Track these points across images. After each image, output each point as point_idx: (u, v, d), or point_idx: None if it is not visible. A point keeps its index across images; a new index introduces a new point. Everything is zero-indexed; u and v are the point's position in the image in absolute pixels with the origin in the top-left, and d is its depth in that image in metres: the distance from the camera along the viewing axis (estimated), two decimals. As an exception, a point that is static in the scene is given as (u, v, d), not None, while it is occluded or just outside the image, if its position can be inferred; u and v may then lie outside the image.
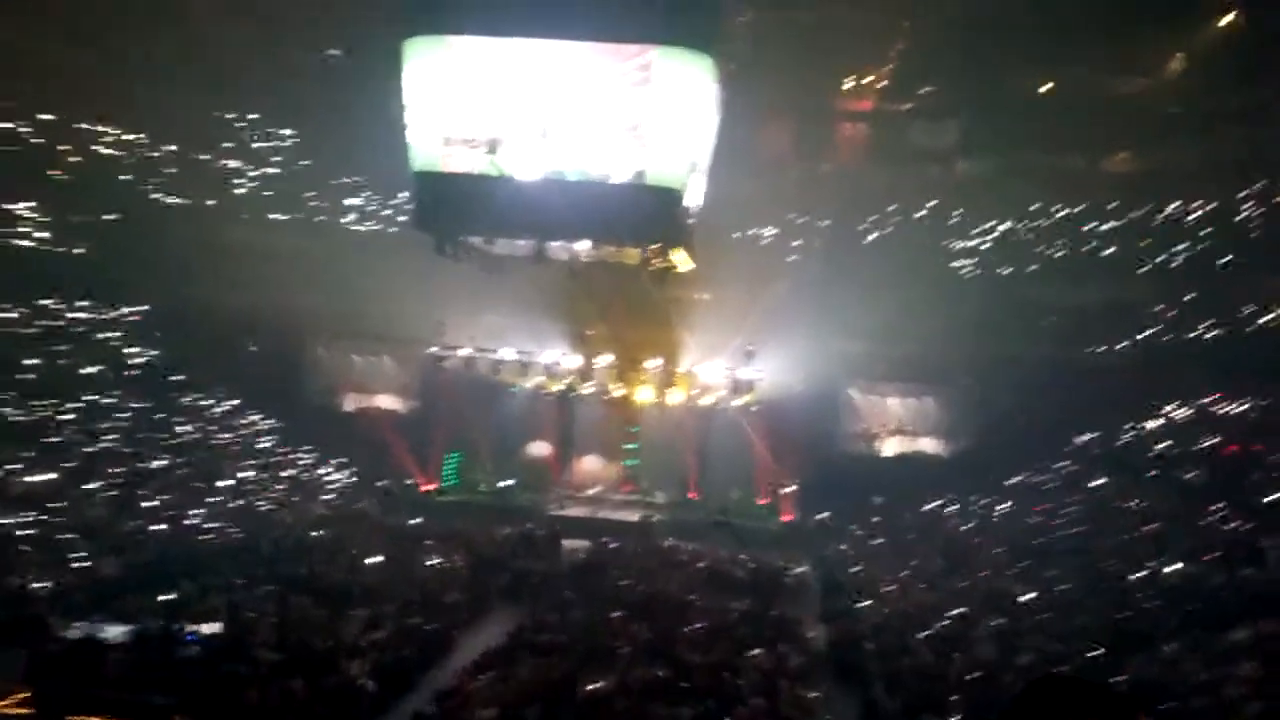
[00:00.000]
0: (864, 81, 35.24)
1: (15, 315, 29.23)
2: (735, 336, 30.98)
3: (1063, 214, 35.24)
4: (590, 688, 15.09)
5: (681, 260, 20.51)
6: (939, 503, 29.90)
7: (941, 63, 32.39)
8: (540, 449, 35.30)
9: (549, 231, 19.50)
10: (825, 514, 31.16)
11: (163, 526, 23.24)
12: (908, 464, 33.58)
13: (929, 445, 34.39)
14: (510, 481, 34.08)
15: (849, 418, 34.87)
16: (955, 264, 36.38)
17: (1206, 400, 27.05)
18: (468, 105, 18.03)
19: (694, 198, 19.20)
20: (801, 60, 31.10)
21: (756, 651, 17.45)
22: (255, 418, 32.45)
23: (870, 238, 37.37)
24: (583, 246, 20.10)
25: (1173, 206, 32.79)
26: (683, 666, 16.42)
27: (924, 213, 36.81)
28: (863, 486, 31.55)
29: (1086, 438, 29.44)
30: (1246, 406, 25.58)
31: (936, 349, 32.82)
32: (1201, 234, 32.11)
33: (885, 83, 34.80)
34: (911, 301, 32.59)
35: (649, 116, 17.21)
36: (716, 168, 19.72)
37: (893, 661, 17.57)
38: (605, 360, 31.75)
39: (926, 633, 18.87)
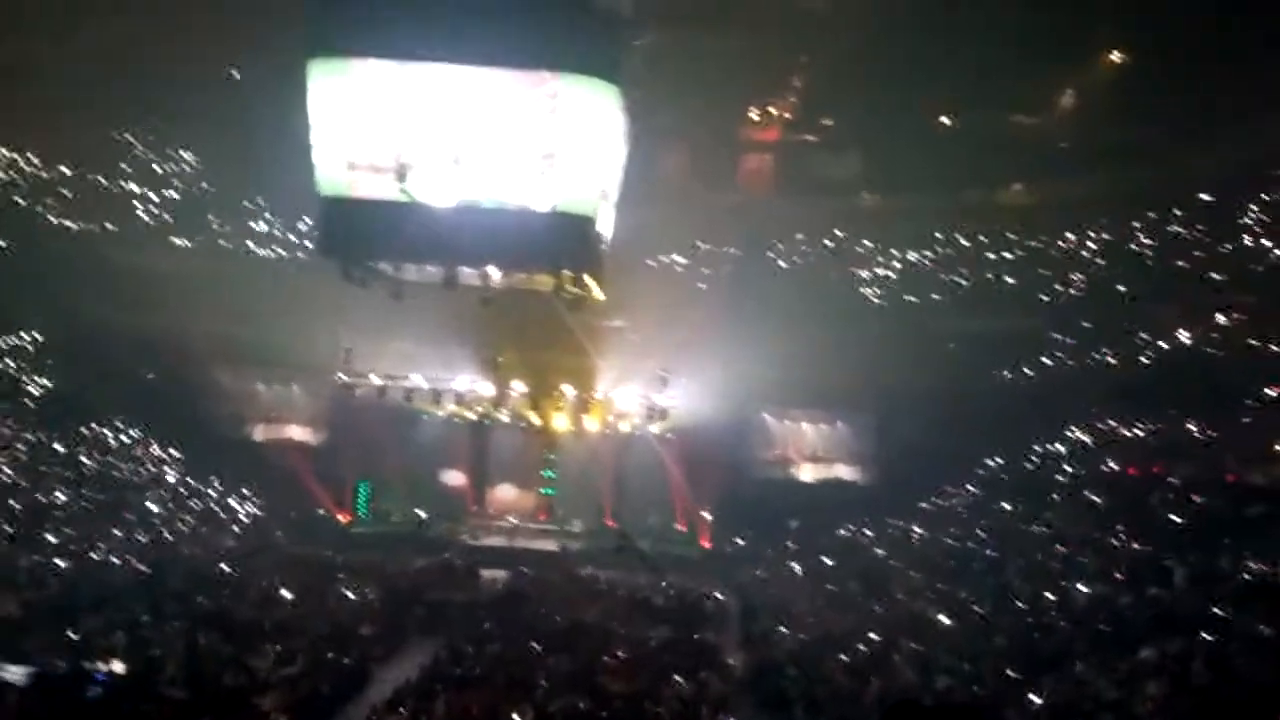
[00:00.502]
0: (769, 113, 35.96)
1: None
2: (649, 363, 31.08)
3: (963, 244, 36.25)
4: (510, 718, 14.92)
5: (595, 288, 20.52)
6: (854, 527, 30.27)
7: (842, 96, 33.21)
8: (455, 478, 34.93)
9: (460, 258, 19.27)
10: (743, 539, 31.33)
11: (64, 562, 22.32)
12: (823, 489, 34.05)
13: (843, 471, 34.83)
14: (425, 512, 33.62)
15: (764, 444, 35.20)
16: (862, 292, 37.15)
17: (1108, 424, 27.91)
18: (374, 129, 17.78)
19: (604, 225, 19.22)
20: (708, 93, 31.66)
21: (677, 679, 17.42)
22: (159, 448, 31.42)
23: (779, 266, 37.98)
24: (495, 273, 19.97)
25: (1068, 237, 33.92)
26: (604, 696, 16.32)
27: (830, 243, 37.59)
28: (779, 512, 31.85)
29: (995, 462, 30.11)
30: (1146, 430, 26.45)
31: (846, 376, 33.30)
32: (1096, 264, 33.28)
33: (789, 115, 35.56)
34: (820, 329, 33.17)
35: (557, 143, 17.17)
36: (627, 196, 19.81)
37: (812, 686, 17.66)
38: (519, 388, 31.56)
39: (844, 657, 19.04)
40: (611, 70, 16.81)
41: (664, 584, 26.20)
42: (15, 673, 14.37)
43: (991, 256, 35.66)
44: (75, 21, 29.62)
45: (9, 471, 25.72)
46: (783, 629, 22.08)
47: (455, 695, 15.97)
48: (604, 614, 22.57)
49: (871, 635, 20.11)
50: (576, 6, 16.35)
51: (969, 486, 29.71)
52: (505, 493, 35.01)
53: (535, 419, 32.91)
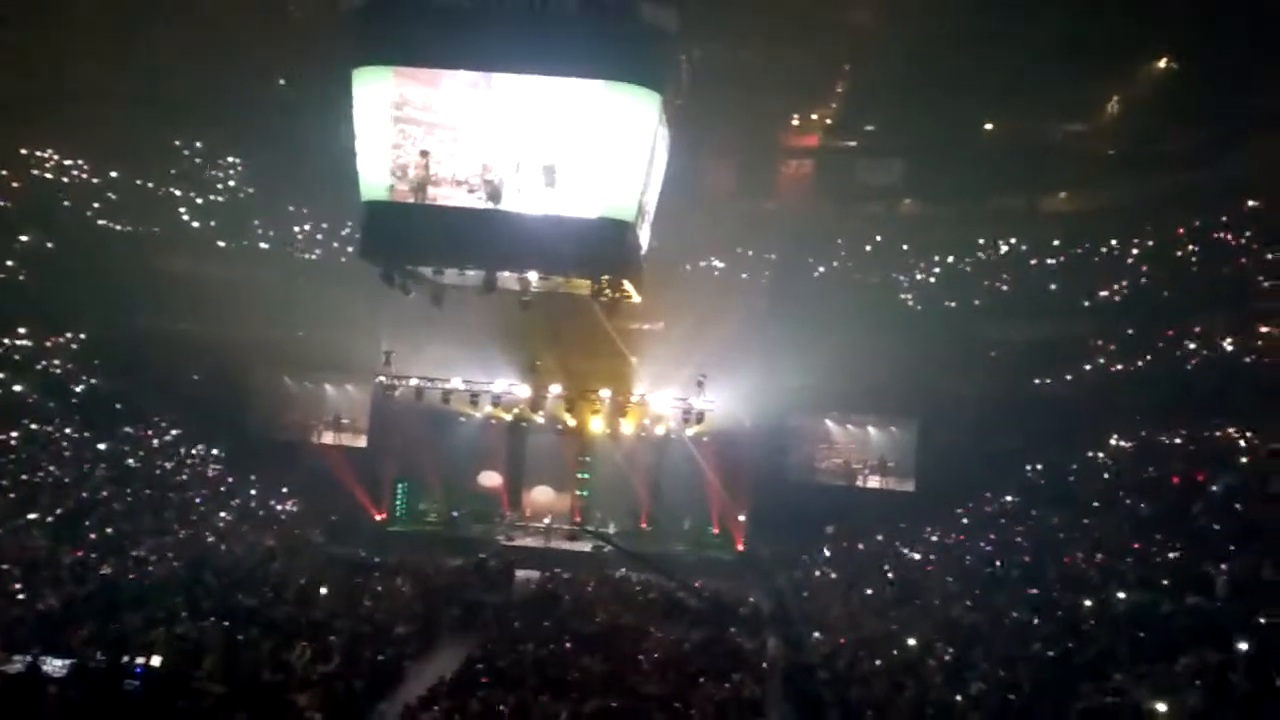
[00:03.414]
0: (809, 119, 35.86)
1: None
2: (686, 367, 31.11)
3: (1006, 250, 35.96)
4: (541, 719, 15.00)
5: (632, 292, 20.60)
6: (890, 532, 30.14)
7: (884, 102, 33.06)
8: (491, 479, 35.16)
9: (498, 263, 19.42)
10: (778, 543, 31.27)
11: (106, 558, 22.72)
12: (859, 494, 33.96)
13: (880, 476, 34.70)
14: (461, 512, 33.89)
15: (800, 448, 35.19)
16: (902, 298, 36.92)
17: (1150, 431, 27.60)
18: (415, 136, 17.97)
19: (644, 230, 19.30)
20: (749, 99, 31.56)
21: (710, 682, 17.43)
22: (200, 448, 31.87)
23: (818, 271, 37.88)
24: (533, 277, 20.10)
25: (1112, 243, 33.57)
26: (636, 697, 16.36)
27: (870, 248, 37.43)
28: (814, 516, 31.84)
29: (1035, 468, 29.85)
30: (1189, 437, 26.13)
31: (886, 382, 33.22)
32: (1140, 270, 32.90)
33: (830, 121, 35.43)
34: (859, 335, 33.02)
35: (599, 150, 17.25)
36: (667, 201, 19.88)
37: (845, 691, 17.63)
38: (556, 390, 31.71)
39: (879, 662, 18.97)
40: (655, 79, 16.88)
41: (698, 586, 26.17)
42: (57, 665, 14.66)
43: (1034, 262, 35.33)
44: (126, 30, 30.10)
45: (55, 469, 26.22)
46: (817, 633, 22.04)
47: (489, 694, 16.08)
48: (637, 615, 22.61)
49: (907, 640, 20.01)
50: (622, 16, 16.41)
51: (1008, 493, 29.47)
52: (541, 494, 35.18)
53: (571, 421, 33.09)
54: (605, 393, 30.89)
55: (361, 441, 35.86)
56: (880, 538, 30.24)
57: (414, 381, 31.00)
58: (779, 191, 38.06)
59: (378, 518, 33.51)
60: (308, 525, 31.38)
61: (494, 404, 31.79)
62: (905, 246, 37.03)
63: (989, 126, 33.41)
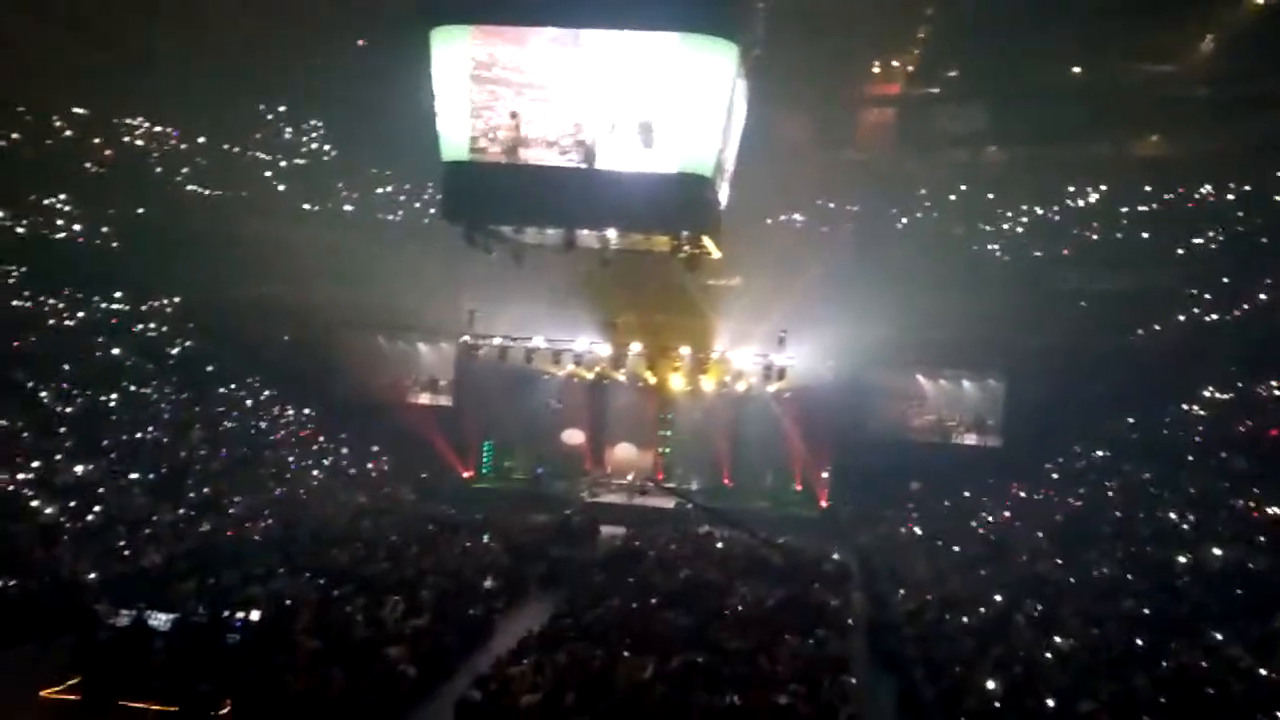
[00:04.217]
0: (890, 66, 35.10)
1: (54, 308, 29.69)
2: (767, 323, 30.93)
3: (1094, 199, 34.92)
4: (628, 673, 15.18)
5: (711, 247, 20.51)
6: (976, 488, 29.77)
7: (968, 47, 32.21)
8: (574, 437, 35.48)
9: (578, 220, 19.45)
10: (862, 500, 31.11)
11: (204, 516, 23.53)
12: (945, 450, 33.46)
13: (966, 431, 34.17)
14: (545, 469, 34.30)
15: (884, 404, 34.71)
16: (987, 249, 36.14)
17: (1245, 383, 26.74)
18: (495, 95, 18.02)
19: (723, 185, 19.16)
20: (828, 46, 30.99)
21: (794, 638, 17.48)
22: (292, 409, 32.72)
23: (901, 223, 37.25)
24: (612, 235, 20.11)
25: (1205, 190, 32.41)
26: (721, 653, 16.48)
27: (954, 198, 36.65)
28: (898, 472, 31.58)
29: (1126, 423, 29.14)
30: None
31: (970, 335, 32.62)
32: (1233, 217, 31.77)
33: (911, 68, 34.65)
34: (943, 288, 32.46)
35: (677, 104, 17.13)
36: (746, 154, 19.69)
37: (931, 648, 17.54)
38: (637, 348, 31.79)
39: (965, 619, 18.82)
40: (732, 29, 16.68)
41: (781, 542, 26.16)
42: (161, 619, 15.25)
43: (1124, 210, 34.27)
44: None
45: (153, 430, 27.14)
46: (902, 590, 21.94)
47: (575, 648, 16.32)
48: (720, 572, 22.71)
49: (994, 598, 19.82)
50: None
51: (1098, 448, 28.86)
52: (624, 451, 35.43)
53: (652, 379, 33.17)
54: (686, 350, 30.88)
55: (447, 401, 36.42)
56: (966, 494, 29.90)
57: (497, 341, 31.34)
58: (860, 142, 37.45)
59: (464, 476, 34.11)
60: (397, 484, 32.10)
61: (576, 362, 32.04)
62: (990, 195, 36.17)
63: (1076, 70, 32.33)
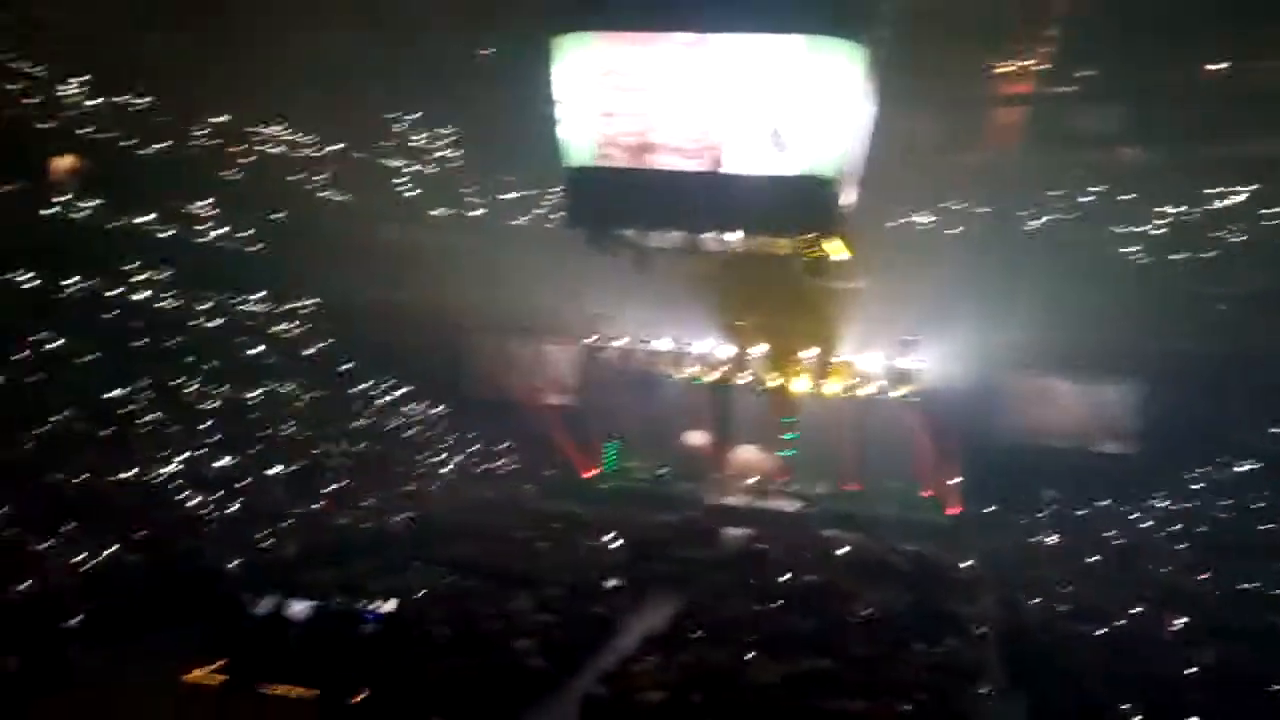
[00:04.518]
0: (1020, 65, 34.16)
1: (198, 308, 31.19)
2: (894, 326, 30.49)
3: (1237, 199, 33.36)
4: (753, 675, 15.17)
5: (836, 250, 20.34)
6: (1115, 498, 28.79)
7: (1103, 44, 31.15)
8: (697, 438, 35.48)
9: (702, 224, 19.57)
10: (992, 507, 30.39)
11: (340, 509, 24.41)
12: (1080, 457, 32.30)
13: (1103, 438, 32.96)
14: (667, 470, 34.46)
15: (1016, 410, 33.69)
16: (1122, 252, 34.88)
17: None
18: (618, 101, 18.23)
19: (848, 186, 19.00)
20: (957, 45, 30.38)
21: (922, 646, 17.21)
22: (423, 407, 33.68)
23: (1031, 225, 36.24)
24: (735, 238, 20.13)
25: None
26: (846, 659, 16.33)
27: (1090, 199, 35.47)
28: (1032, 480, 30.71)
29: (1270, 432, 27.78)
30: None
31: (1106, 340, 31.55)
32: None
33: (1042, 66, 33.67)
34: (1076, 291, 31.48)
35: (801, 106, 17.08)
36: (871, 155, 19.48)
37: (1065, 660, 17.04)
38: (760, 350, 31.66)
39: (1102, 631, 18.25)
40: (858, 31, 16.57)
41: (908, 548, 25.75)
42: (297, 607, 15.86)
43: (1268, 212, 32.67)
44: (342, 9, 31.72)
45: (291, 425, 28.28)
46: (1035, 600, 21.35)
47: (699, 650, 16.39)
48: (845, 577, 22.49)
49: (1132, 610, 19.16)
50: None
51: (1243, 458, 27.58)
52: (747, 454, 35.24)
53: (776, 382, 32.99)
54: (810, 353, 30.65)
55: (572, 401, 36.93)
56: (1102, 502, 28.93)
57: (621, 343, 31.63)
58: (989, 142, 36.55)
59: (588, 475, 34.52)
60: (523, 481, 32.69)
61: (699, 364, 32.09)
62: (1126, 196, 34.91)
63: (1219, 66, 30.94)
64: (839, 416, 33.23)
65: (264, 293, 33.55)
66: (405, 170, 38.60)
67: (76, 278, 27.86)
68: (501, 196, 39.35)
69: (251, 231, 34.33)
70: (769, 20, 16.85)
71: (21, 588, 15.78)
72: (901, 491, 32.36)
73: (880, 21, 17.52)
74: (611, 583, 21.03)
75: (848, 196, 19.14)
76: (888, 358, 30.02)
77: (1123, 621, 18.68)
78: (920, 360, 29.32)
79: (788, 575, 21.96)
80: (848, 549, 25.63)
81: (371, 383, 33.40)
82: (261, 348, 31.31)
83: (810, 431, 33.99)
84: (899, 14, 18.60)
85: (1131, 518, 27.21)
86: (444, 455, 31.76)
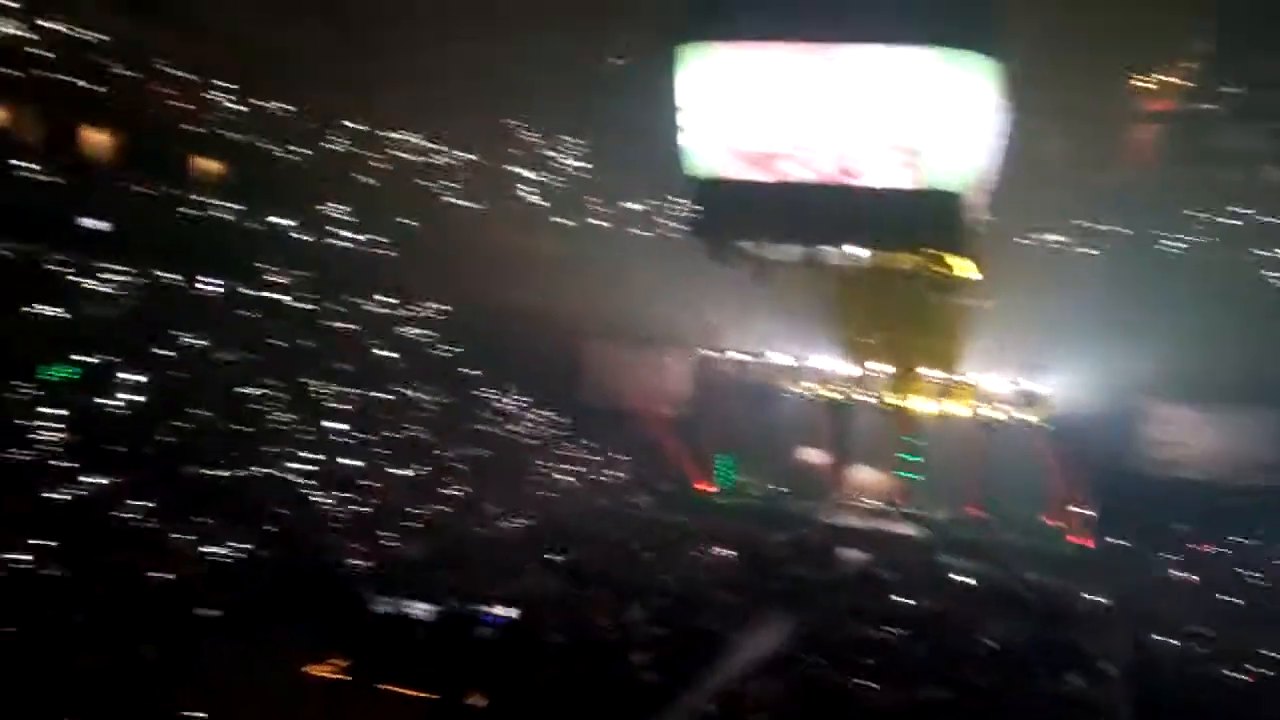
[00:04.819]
0: (1160, 80, 32.92)
1: (333, 310, 32.27)
2: (1022, 347, 29.62)
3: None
4: (868, 702, 14.85)
5: (964, 267, 19.86)
6: (1255, 534, 27.41)
7: (1251, 59, 29.82)
8: (814, 455, 35.05)
9: (825, 237, 19.37)
10: (1125, 540, 29.21)
11: (462, 512, 24.80)
12: (1217, 490, 30.82)
13: (1242, 471, 31.35)
14: (783, 487, 34.10)
15: (1149, 438, 32.34)
16: (1268, 275, 33.20)
17: None
18: (743, 112, 18.13)
19: (978, 202, 18.53)
20: (1092, 59, 29.47)
21: (1046, 681, 16.60)
22: (543, 413, 34.08)
23: (1169, 246, 34.78)
24: (857, 251, 19.83)
25: None
26: (965, 689, 15.83)
27: (1232, 220, 33.89)
28: (1165, 513, 29.43)
29: None
30: None
31: (1250, 368, 30.06)
32: None
33: (1183, 81, 32.38)
34: (1217, 317, 30.07)
35: (930, 119, 16.75)
36: (1003, 170, 18.96)
37: (1198, 705, 16.20)
38: (881, 368, 31.11)
39: (1238, 676, 17.34)
40: (992, 44, 16.17)
41: (1032, 579, 24.94)
42: (421, 609, 16.14)
43: None
44: (471, 19, 32.42)
45: (418, 429, 28.89)
46: (1168, 639, 20.41)
47: (813, 671, 16.11)
48: (966, 604, 21.87)
49: (1273, 654, 18.16)
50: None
51: None
52: (863, 473, 34.68)
53: (897, 400, 32.38)
54: (933, 372, 30.00)
55: (687, 412, 36.83)
56: (1242, 539, 27.55)
57: (736, 355, 31.43)
58: (1125, 159, 35.29)
59: (703, 488, 34.38)
60: (638, 492, 32.75)
61: (816, 380, 31.70)
62: (1270, 219, 33.20)
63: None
64: (963, 439, 32.42)
65: (395, 298, 34.45)
66: (533, 178, 39.22)
67: (218, 278, 29.06)
68: (625, 205, 39.60)
69: (384, 237, 35.33)
70: (900, 31, 16.57)
71: (161, 577, 16.33)
72: (1027, 520, 31.40)
73: (1016, 33, 17.07)
74: (724, 598, 20.84)
75: (977, 212, 18.69)
76: (1016, 380, 29.14)
77: (1262, 668, 17.70)
78: (1050, 384, 28.36)
79: (906, 600, 21.49)
80: (970, 577, 24.97)
81: (495, 387, 33.93)
82: (391, 351, 32.11)
83: (932, 453, 33.25)
84: (1037, 26, 18.13)
85: (1276, 562, 25.81)
86: (561, 462, 32.05)
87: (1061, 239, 35.90)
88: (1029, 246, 34.97)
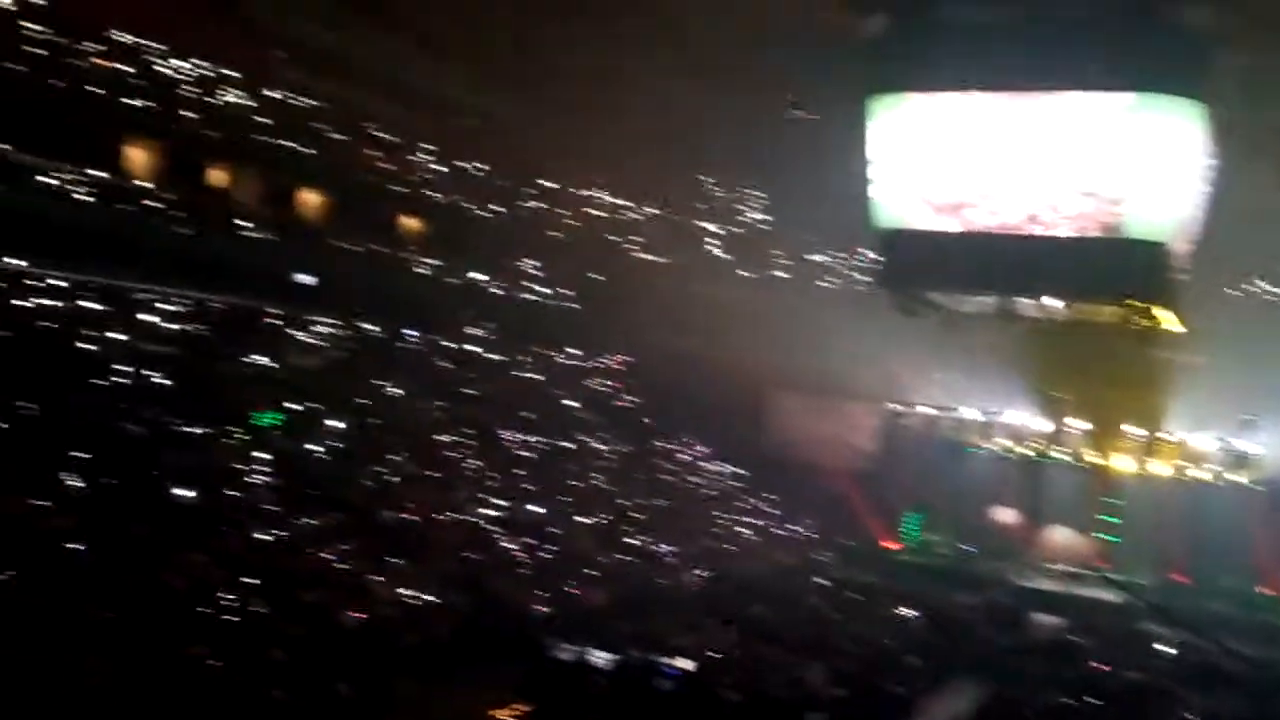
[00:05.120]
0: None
1: (520, 360, 33.36)
2: (1232, 405, 27.91)
3: None
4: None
5: (1167, 320, 18.95)
6: None
7: None
8: (1005, 515, 33.77)
9: (1019, 288, 18.79)
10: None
11: (640, 562, 25.03)
12: None
13: None
14: (972, 547, 33.01)
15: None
16: None
17: None
18: (934, 161, 17.90)
19: (1181, 253, 17.67)
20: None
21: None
22: (723, 464, 34.15)
23: None
24: (1053, 303, 19.18)
25: None
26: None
27: None
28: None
29: None
30: None
31: None
32: None
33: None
34: None
35: (1129, 166, 16.13)
36: (1209, 219, 18.04)
37: None
38: (1078, 424, 29.84)
39: None
40: (1197, 86, 15.49)
41: (1242, 651, 23.25)
42: (602, 658, 16.34)
43: None
44: (659, 76, 33.21)
45: (601, 479, 29.43)
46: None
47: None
48: (1172, 677, 20.59)
49: None
50: (1159, 21, 15.24)
51: None
52: (1058, 535, 33.17)
53: (1096, 459, 30.96)
54: (1135, 430, 28.59)
55: (873, 467, 36.17)
56: None
57: (925, 409, 30.79)
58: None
59: (888, 546, 33.62)
60: (820, 547, 32.30)
61: (1009, 436, 30.69)
62: None
63: None
64: (1167, 500, 30.70)
65: (581, 350, 35.36)
66: (716, 231, 39.64)
67: (417, 329, 30.55)
68: (809, 257, 39.49)
69: (571, 290, 36.40)
70: (1097, 77, 16.07)
71: (356, 617, 17.06)
72: (1237, 588, 29.35)
73: (1225, 76, 16.28)
74: (910, 661, 20.28)
75: (1181, 263, 17.82)
76: (1224, 439, 27.43)
77: None
78: (1261, 442, 26.59)
79: (1105, 670, 20.42)
80: (1173, 646, 23.52)
81: (674, 438, 34.22)
82: (573, 400, 32.91)
83: (1134, 515, 31.57)
84: (1246, 68, 17.25)
85: None
86: (742, 515, 31.93)
87: (1273, 290, 33.73)
88: (1238, 298, 33.00)
